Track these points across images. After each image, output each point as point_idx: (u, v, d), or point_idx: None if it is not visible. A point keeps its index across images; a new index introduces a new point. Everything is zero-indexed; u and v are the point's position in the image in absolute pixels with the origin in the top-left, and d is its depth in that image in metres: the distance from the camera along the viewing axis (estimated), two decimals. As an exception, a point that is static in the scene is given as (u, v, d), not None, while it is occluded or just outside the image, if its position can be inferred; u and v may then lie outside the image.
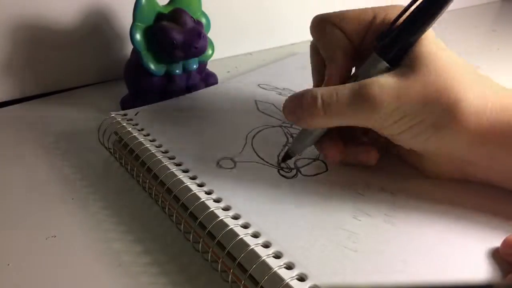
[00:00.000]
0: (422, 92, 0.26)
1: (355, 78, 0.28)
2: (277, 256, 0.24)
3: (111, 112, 0.38)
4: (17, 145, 0.39)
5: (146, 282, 0.26)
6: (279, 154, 0.33)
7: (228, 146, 0.34)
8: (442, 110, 0.26)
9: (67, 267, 0.27)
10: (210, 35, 0.46)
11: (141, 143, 0.34)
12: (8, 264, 0.27)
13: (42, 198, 0.33)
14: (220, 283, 0.26)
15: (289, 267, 0.23)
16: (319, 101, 0.27)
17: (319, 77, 0.32)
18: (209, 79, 0.48)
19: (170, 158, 0.32)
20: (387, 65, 0.27)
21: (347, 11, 0.31)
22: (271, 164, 0.32)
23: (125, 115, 0.38)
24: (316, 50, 0.33)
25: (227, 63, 0.58)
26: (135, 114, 0.38)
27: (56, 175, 0.35)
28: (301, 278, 0.22)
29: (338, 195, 0.29)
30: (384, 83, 0.26)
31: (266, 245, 0.24)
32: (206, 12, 0.46)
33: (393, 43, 0.27)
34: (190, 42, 0.40)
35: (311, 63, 0.34)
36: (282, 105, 0.30)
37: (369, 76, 0.27)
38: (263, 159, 0.33)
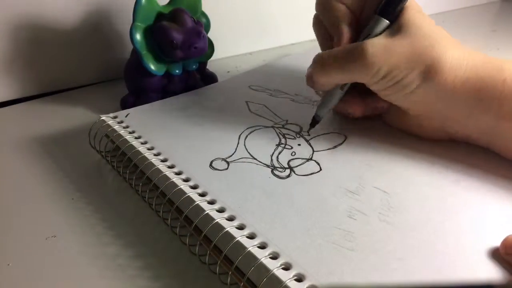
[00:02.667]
0: (408, 49, 0.30)
1: None
2: (274, 257, 0.24)
3: (101, 115, 0.38)
4: (17, 145, 0.40)
5: (142, 285, 0.26)
6: (272, 154, 0.33)
7: (220, 147, 0.34)
8: (425, 65, 0.30)
9: (66, 267, 0.27)
10: (210, 35, 0.46)
11: (132, 146, 0.34)
12: (8, 264, 0.27)
13: (41, 199, 0.33)
14: (217, 286, 0.26)
15: (287, 268, 0.23)
16: (320, 58, 0.33)
17: (326, 49, 0.35)
18: (209, 79, 0.48)
19: (162, 161, 0.32)
20: (388, 22, 0.32)
21: None
22: (264, 164, 0.32)
23: (115, 117, 0.38)
24: (320, 22, 0.37)
25: (227, 63, 0.58)
26: (126, 116, 0.38)
27: (55, 176, 0.35)
28: (299, 279, 0.23)
29: (332, 194, 0.29)
30: (376, 42, 0.31)
31: (263, 246, 0.24)
32: (206, 12, 0.46)
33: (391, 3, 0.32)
34: (190, 42, 0.40)
35: (316, 35, 0.38)
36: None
37: (371, 35, 0.32)
38: (256, 159, 0.33)
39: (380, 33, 0.32)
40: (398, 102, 0.33)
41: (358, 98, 0.36)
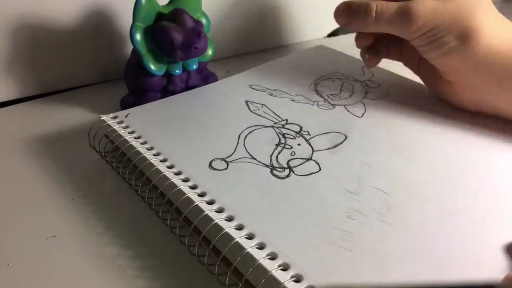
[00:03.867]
0: (451, 12, 0.34)
1: None
2: (272, 257, 0.24)
3: (101, 115, 0.38)
4: (16, 145, 0.40)
5: (141, 285, 0.26)
6: (272, 154, 0.33)
7: (220, 147, 0.34)
8: (463, 29, 0.33)
9: (66, 267, 0.27)
10: (210, 35, 0.46)
11: (132, 146, 0.33)
12: (8, 264, 0.27)
13: (41, 199, 0.33)
14: (216, 287, 0.26)
15: (285, 268, 0.23)
16: (373, 12, 0.37)
17: None
18: (209, 79, 0.48)
19: (162, 161, 0.32)
20: None
21: None
22: (264, 164, 0.32)
23: (115, 117, 0.38)
24: None
25: (227, 63, 0.58)
26: (126, 116, 0.38)
27: (55, 176, 0.35)
28: (297, 279, 0.23)
29: (331, 194, 0.29)
30: (424, 2, 0.34)
31: (261, 247, 0.24)
32: (206, 12, 0.46)
33: None
34: (190, 42, 0.40)
35: None
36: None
37: None
38: (256, 159, 0.32)
39: None
40: (434, 61, 0.36)
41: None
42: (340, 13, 0.39)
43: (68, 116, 0.44)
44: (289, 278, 0.22)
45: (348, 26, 0.39)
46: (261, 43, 0.63)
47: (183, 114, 0.39)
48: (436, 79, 0.39)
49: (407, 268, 0.23)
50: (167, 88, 0.44)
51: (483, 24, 0.33)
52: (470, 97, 0.37)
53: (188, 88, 0.45)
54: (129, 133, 0.35)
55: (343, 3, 0.39)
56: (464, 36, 0.33)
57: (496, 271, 0.23)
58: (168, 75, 0.43)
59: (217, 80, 0.48)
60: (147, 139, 0.35)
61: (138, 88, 0.44)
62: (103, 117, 0.37)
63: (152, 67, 0.41)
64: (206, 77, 0.48)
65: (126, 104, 0.44)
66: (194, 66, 0.45)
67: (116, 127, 0.36)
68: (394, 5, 0.36)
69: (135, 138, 0.35)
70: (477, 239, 0.25)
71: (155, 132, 0.36)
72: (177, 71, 0.43)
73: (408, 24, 0.35)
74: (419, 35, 0.35)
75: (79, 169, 0.36)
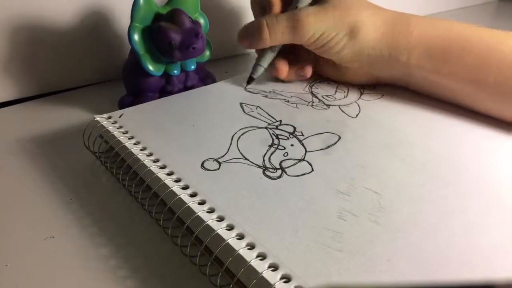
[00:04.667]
0: (333, 16, 0.39)
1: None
2: (262, 257, 0.24)
3: (95, 116, 0.38)
4: (14, 146, 0.40)
5: (133, 286, 0.26)
6: (265, 154, 0.33)
7: (212, 147, 0.34)
8: (348, 27, 0.39)
9: (61, 269, 0.27)
10: (208, 35, 0.46)
11: (125, 147, 0.34)
12: (7, 265, 0.28)
13: (39, 199, 0.33)
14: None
15: (274, 268, 0.23)
16: (265, 27, 0.40)
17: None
18: (207, 79, 0.48)
19: (154, 161, 0.32)
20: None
21: None
22: (256, 164, 0.32)
23: (109, 117, 0.38)
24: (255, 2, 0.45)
25: (225, 64, 0.58)
26: (119, 116, 0.38)
27: (52, 176, 0.36)
28: (286, 280, 0.23)
29: (323, 195, 0.29)
30: (309, 10, 0.39)
31: (252, 247, 0.25)
32: (204, 13, 0.46)
33: None
34: (188, 43, 0.40)
35: (252, 9, 0.46)
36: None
37: (300, 5, 0.40)
38: (248, 160, 0.33)
39: (308, 4, 0.40)
40: (332, 58, 0.42)
41: (285, 64, 0.44)
42: (240, 36, 0.42)
43: (66, 117, 0.45)
44: (278, 279, 0.22)
45: (251, 46, 0.43)
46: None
47: (176, 115, 0.39)
48: (335, 67, 0.44)
49: (397, 268, 0.23)
50: (165, 88, 0.45)
51: (360, 17, 0.39)
52: (367, 77, 0.43)
53: (186, 88, 0.46)
54: (123, 133, 0.36)
55: (242, 27, 0.42)
56: (352, 32, 0.39)
57: (487, 271, 0.23)
58: (166, 76, 0.44)
59: (215, 80, 0.48)
60: (140, 139, 0.35)
61: (136, 89, 0.44)
62: (97, 118, 0.38)
63: (150, 67, 0.42)
64: (204, 77, 0.48)
65: (124, 104, 0.44)
66: (192, 67, 0.45)
67: (110, 127, 0.36)
68: (283, 16, 0.40)
69: (129, 139, 0.35)
70: (468, 239, 0.25)
71: (148, 132, 0.36)
72: (175, 72, 0.43)
73: (301, 32, 0.39)
74: (313, 41, 0.39)
75: (75, 170, 0.36)
